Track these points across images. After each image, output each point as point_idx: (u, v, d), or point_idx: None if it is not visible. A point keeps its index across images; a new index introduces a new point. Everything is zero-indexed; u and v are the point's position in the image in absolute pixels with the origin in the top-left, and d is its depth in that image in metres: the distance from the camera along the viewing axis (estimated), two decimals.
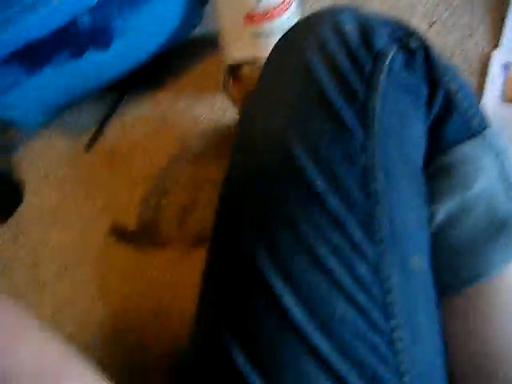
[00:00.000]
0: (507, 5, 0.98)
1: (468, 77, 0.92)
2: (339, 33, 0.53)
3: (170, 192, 0.82)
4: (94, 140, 0.96)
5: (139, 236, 0.86)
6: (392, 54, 0.53)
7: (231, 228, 0.54)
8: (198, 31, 0.97)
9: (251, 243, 0.50)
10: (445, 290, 0.53)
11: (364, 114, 0.51)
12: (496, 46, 0.95)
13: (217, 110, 0.95)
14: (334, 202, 0.49)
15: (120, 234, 0.87)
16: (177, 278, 0.84)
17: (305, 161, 0.50)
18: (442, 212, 0.54)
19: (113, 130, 0.97)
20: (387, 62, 0.52)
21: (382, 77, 0.52)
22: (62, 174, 0.96)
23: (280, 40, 0.60)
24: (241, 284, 0.51)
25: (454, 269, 0.54)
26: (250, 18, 0.79)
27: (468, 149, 0.55)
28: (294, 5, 0.84)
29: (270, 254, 0.49)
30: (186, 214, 0.80)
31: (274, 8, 0.79)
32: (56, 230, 0.92)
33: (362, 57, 0.52)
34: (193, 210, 0.79)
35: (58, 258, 0.90)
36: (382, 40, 0.53)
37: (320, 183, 0.49)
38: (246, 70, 0.81)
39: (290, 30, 0.60)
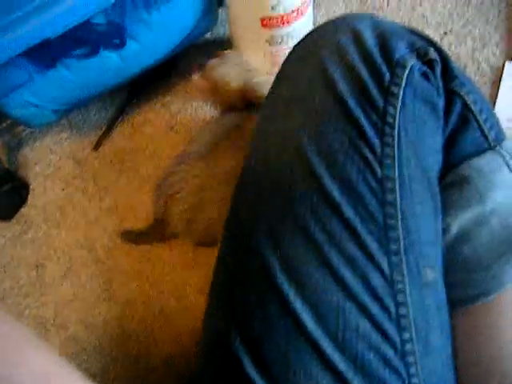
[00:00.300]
0: None
1: (480, 88, 0.91)
2: (358, 41, 0.53)
3: (178, 192, 0.82)
4: (102, 140, 0.95)
5: (148, 235, 0.86)
6: (411, 64, 0.52)
7: (245, 235, 0.53)
8: (209, 34, 0.96)
9: (264, 250, 0.50)
10: (454, 303, 0.53)
11: (383, 124, 0.50)
12: (509, 57, 0.94)
13: None
14: (349, 212, 0.48)
15: (130, 236, 0.87)
16: (182, 282, 0.84)
17: (321, 170, 0.49)
18: (456, 225, 0.53)
19: (121, 131, 0.97)
20: (407, 72, 0.52)
21: (402, 87, 0.51)
22: (69, 172, 0.95)
23: (297, 45, 0.59)
24: (252, 291, 0.50)
25: (464, 284, 0.53)
26: (265, 22, 0.79)
27: (484, 162, 0.55)
28: (308, 10, 0.84)
29: (283, 262, 0.48)
30: (193, 213, 0.79)
31: (289, 13, 0.79)
32: (61, 229, 0.91)
33: (381, 66, 0.51)
34: (200, 209, 0.79)
35: (62, 257, 0.89)
36: (400, 49, 0.52)
37: (336, 193, 0.48)
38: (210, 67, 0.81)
39: (308, 35, 0.59)
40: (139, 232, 0.87)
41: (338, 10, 1.03)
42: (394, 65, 0.52)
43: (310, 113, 0.52)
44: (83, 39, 0.75)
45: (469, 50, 0.96)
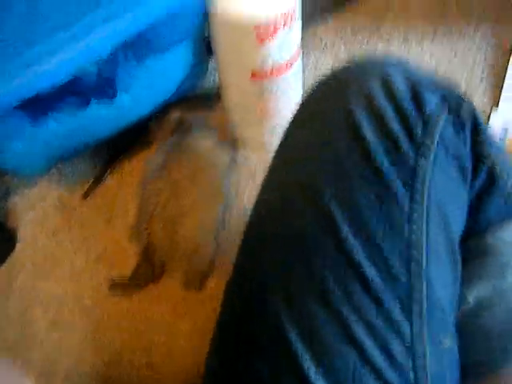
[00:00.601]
0: (505, 65, 0.99)
1: None
2: (388, 88, 0.50)
3: (153, 211, 0.83)
4: (91, 189, 0.95)
5: (137, 278, 0.85)
6: (444, 120, 0.49)
7: (258, 300, 0.49)
8: (200, 84, 0.97)
9: (277, 309, 0.47)
10: (473, 369, 0.51)
11: (413, 182, 0.47)
12: (495, 105, 0.95)
13: (214, 157, 0.94)
14: (372, 274, 0.45)
15: (118, 288, 0.86)
16: (171, 331, 0.83)
17: (344, 226, 0.46)
18: (474, 296, 0.52)
19: (111, 178, 0.96)
20: (440, 127, 0.49)
21: (434, 143, 0.48)
22: (58, 222, 0.94)
23: (320, 85, 0.56)
24: (265, 362, 0.47)
25: (482, 352, 0.52)
26: (255, 74, 0.79)
27: (507, 233, 0.53)
28: (298, 61, 0.85)
29: (298, 323, 0.46)
30: (173, 225, 0.82)
31: (279, 66, 0.79)
32: (48, 279, 0.90)
33: (413, 118, 0.48)
34: (180, 221, 0.82)
35: (49, 308, 0.88)
36: (433, 103, 0.49)
37: (359, 253, 0.45)
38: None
39: (333, 76, 0.55)
40: (126, 280, 0.86)
41: (327, 60, 1.04)
42: (427, 118, 0.49)
43: (333, 162, 0.49)
44: (74, 91, 0.75)
45: None
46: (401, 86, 0.50)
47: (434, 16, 1.08)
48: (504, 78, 0.98)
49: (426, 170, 0.48)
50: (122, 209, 0.93)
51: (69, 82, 0.70)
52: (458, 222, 0.51)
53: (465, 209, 0.52)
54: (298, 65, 0.85)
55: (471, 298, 0.52)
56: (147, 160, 0.89)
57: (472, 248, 0.52)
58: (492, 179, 0.52)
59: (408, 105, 0.49)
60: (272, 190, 0.53)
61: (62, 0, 0.69)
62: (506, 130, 0.92)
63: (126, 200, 0.94)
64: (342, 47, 1.06)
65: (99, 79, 0.75)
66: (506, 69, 0.99)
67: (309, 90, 0.56)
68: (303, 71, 0.90)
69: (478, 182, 0.52)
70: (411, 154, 0.47)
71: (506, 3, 1.08)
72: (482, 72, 1.00)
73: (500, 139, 0.91)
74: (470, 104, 0.52)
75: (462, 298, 0.51)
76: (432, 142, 0.48)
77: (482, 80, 0.99)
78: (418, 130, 0.48)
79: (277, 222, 0.51)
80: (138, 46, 0.75)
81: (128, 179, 0.96)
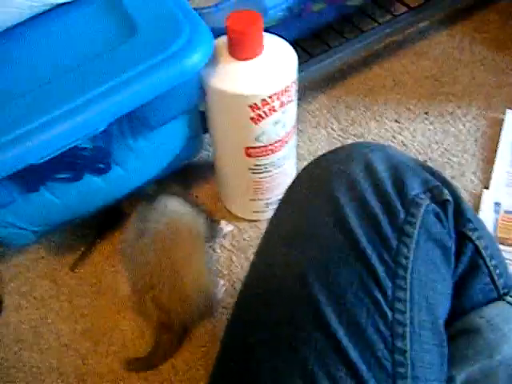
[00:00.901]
0: (497, 144, 1.01)
1: None
2: (371, 173, 0.52)
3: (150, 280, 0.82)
4: (79, 261, 0.94)
5: (155, 353, 0.83)
6: (426, 205, 0.51)
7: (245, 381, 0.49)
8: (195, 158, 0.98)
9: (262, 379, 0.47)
10: None
11: (396, 265, 0.48)
12: (487, 184, 0.96)
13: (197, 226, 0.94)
14: (357, 358, 0.45)
15: (137, 365, 0.83)
16: None
17: (328, 310, 0.46)
18: (462, 377, 0.51)
19: (100, 250, 0.96)
20: (422, 212, 0.50)
21: (417, 227, 0.50)
22: (44, 293, 0.93)
23: (305, 170, 0.58)
24: None
25: None
26: (249, 152, 0.80)
27: (493, 313, 0.53)
28: (293, 139, 0.86)
29: None
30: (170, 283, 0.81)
31: (273, 144, 0.80)
32: (33, 350, 0.88)
33: (396, 203, 0.50)
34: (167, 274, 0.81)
35: (32, 381, 0.85)
36: (415, 187, 0.51)
37: (343, 337, 0.46)
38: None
39: (317, 161, 0.58)
40: (146, 356, 0.83)
41: (321, 137, 1.05)
42: (409, 203, 0.50)
43: (317, 246, 0.50)
44: (68, 164, 0.75)
45: (447, 178, 0.98)
46: (383, 173, 0.51)
47: (427, 96, 1.10)
48: (495, 158, 0.99)
49: (408, 256, 0.49)
50: (111, 280, 0.92)
51: (63, 155, 0.70)
52: (442, 304, 0.52)
53: (449, 291, 0.53)
54: (292, 142, 0.86)
55: (459, 379, 0.51)
56: (125, 230, 0.89)
57: (459, 328, 0.53)
58: (476, 260, 0.54)
59: (390, 191, 0.50)
60: (260, 272, 0.54)
61: (61, 76, 0.70)
62: (499, 205, 0.93)
63: (115, 271, 0.93)
64: (336, 125, 1.07)
65: (94, 154, 0.75)
66: (497, 148, 1.00)
67: (297, 175, 0.58)
68: (297, 148, 0.91)
69: (463, 263, 0.54)
70: (393, 240, 0.49)
71: (497, 84, 1.10)
72: (474, 152, 1.01)
73: (493, 217, 0.91)
74: (453, 187, 0.54)
75: (450, 379, 0.51)
76: (414, 228, 0.50)
77: (473, 159, 1.00)
78: (401, 216, 0.50)
79: (262, 305, 0.51)
80: (134, 122, 0.76)
81: (117, 249, 0.95)
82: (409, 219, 0.50)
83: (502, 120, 1.05)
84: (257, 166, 0.82)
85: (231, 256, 0.92)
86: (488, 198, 0.94)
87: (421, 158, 1.01)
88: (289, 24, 0.99)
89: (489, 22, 1.21)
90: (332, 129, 1.07)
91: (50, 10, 0.76)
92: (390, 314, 0.47)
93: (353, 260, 0.48)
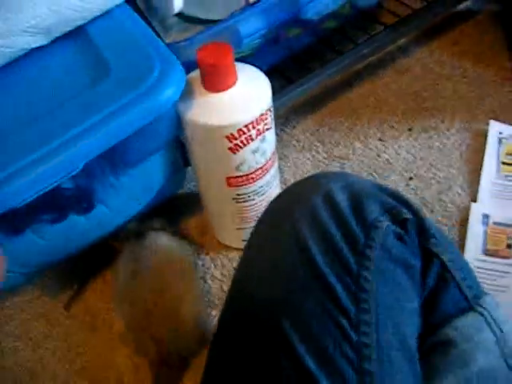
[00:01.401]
0: (482, 156, 1.01)
1: (449, 230, 0.93)
2: (330, 202, 0.53)
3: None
4: (73, 300, 0.94)
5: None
6: (385, 227, 0.52)
7: None
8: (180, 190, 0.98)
9: None
10: None
11: (358, 289, 0.49)
12: (474, 197, 0.97)
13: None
14: (325, 381, 0.46)
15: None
16: None
17: (295, 340, 0.47)
18: None
19: (93, 287, 0.96)
20: (380, 236, 0.51)
21: (376, 251, 0.51)
22: (40, 332, 0.93)
23: (270, 206, 0.60)
24: None
25: None
26: (231, 181, 0.81)
27: (465, 323, 0.54)
28: (275, 165, 0.86)
29: None
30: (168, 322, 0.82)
31: (255, 172, 0.81)
32: None
33: (355, 228, 0.51)
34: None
35: None
36: (374, 211, 0.53)
37: (312, 365, 0.46)
38: None
39: (281, 196, 0.60)
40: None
41: (306, 161, 1.06)
42: (368, 227, 0.52)
43: (285, 278, 0.51)
44: (51, 205, 0.76)
45: (435, 193, 0.98)
46: (343, 200, 0.53)
47: (409, 112, 1.11)
48: (481, 170, 0.99)
49: (370, 279, 0.50)
50: (105, 318, 0.92)
51: (45, 196, 0.70)
52: (410, 322, 0.52)
53: (416, 307, 0.53)
54: (274, 169, 0.86)
55: None
56: (116, 270, 0.90)
57: (433, 342, 0.54)
58: (444, 274, 0.55)
59: (350, 217, 0.52)
60: (231, 305, 0.56)
61: (38, 120, 0.71)
62: (487, 217, 0.93)
63: (108, 308, 0.93)
64: (320, 147, 1.08)
65: (76, 193, 0.76)
66: (482, 160, 1.01)
67: (266, 207, 0.60)
68: (282, 173, 0.91)
69: (431, 278, 0.55)
70: (354, 265, 0.50)
71: (479, 96, 1.11)
72: (459, 165, 1.02)
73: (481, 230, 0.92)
74: (414, 206, 0.56)
75: None
76: (374, 251, 0.51)
77: (459, 172, 1.00)
78: (361, 242, 0.51)
79: (235, 338, 0.52)
80: (114, 160, 0.77)
81: (110, 286, 0.95)
82: (369, 243, 0.51)
83: (486, 131, 1.05)
84: (239, 195, 0.83)
85: (222, 285, 0.92)
86: (476, 211, 0.94)
87: (406, 175, 1.01)
88: (266, 51, 1.00)
89: (466, 35, 1.22)
90: (317, 152, 1.07)
91: (25, 55, 0.77)
92: (355, 337, 0.47)
93: (316, 288, 0.49)
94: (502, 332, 0.54)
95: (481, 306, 0.55)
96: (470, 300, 0.55)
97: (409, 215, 0.54)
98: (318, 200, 0.54)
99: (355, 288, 0.49)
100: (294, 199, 0.56)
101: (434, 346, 0.54)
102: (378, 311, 0.49)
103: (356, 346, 0.47)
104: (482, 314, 0.55)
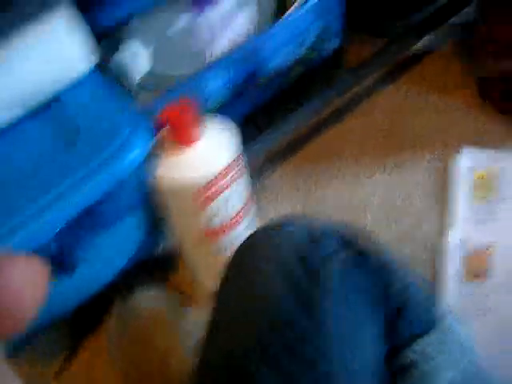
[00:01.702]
0: (456, 184, 1.03)
1: (426, 259, 0.95)
2: (291, 241, 0.57)
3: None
4: (63, 368, 0.95)
5: None
6: (342, 258, 0.55)
7: None
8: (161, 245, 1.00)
9: None
10: None
11: (316, 318, 0.52)
12: (450, 225, 0.99)
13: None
14: None
15: None
16: None
17: (263, 373, 0.50)
18: None
19: (85, 354, 0.96)
20: (337, 266, 0.54)
21: (334, 281, 0.54)
22: None
23: (239, 249, 0.62)
24: None
25: None
26: (207, 234, 0.83)
27: (426, 345, 0.55)
28: (250, 213, 0.88)
29: None
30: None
31: (229, 222, 0.83)
32: None
33: (314, 263, 0.54)
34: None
35: None
36: (331, 244, 0.56)
37: None
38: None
39: (244, 242, 0.63)
40: None
41: (285, 206, 1.08)
42: (326, 260, 0.55)
43: (250, 322, 0.54)
44: None
45: (412, 222, 1.01)
46: (302, 239, 0.57)
47: (382, 148, 1.14)
48: (456, 197, 1.02)
49: (327, 307, 0.52)
50: (100, 379, 0.93)
51: None
52: (373, 347, 0.54)
53: (378, 332, 0.55)
54: (250, 218, 0.88)
55: None
56: (107, 332, 0.92)
57: (397, 365, 0.55)
58: (402, 299, 0.56)
59: (309, 252, 0.55)
60: (202, 355, 0.57)
61: (10, 189, 0.74)
62: (465, 243, 0.95)
63: (103, 369, 0.93)
64: (298, 191, 1.10)
65: (56, 252, 0.78)
66: (456, 187, 1.03)
67: (224, 266, 0.63)
68: (261, 220, 0.93)
69: (390, 304, 0.56)
70: (312, 293, 0.53)
71: (449, 124, 1.14)
72: (435, 194, 1.04)
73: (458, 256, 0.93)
74: (368, 236, 0.59)
75: None
76: (331, 281, 0.54)
77: (436, 201, 1.02)
78: (321, 273, 0.54)
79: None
80: (93, 221, 0.79)
81: (103, 345, 0.96)
82: (326, 274, 0.54)
83: (458, 159, 1.07)
84: (219, 247, 0.85)
85: None
86: (453, 238, 0.96)
87: (384, 209, 1.04)
88: (237, 102, 1.03)
89: (431, 67, 1.25)
90: (295, 196, 1.10)
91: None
92: (319, 366, 0.50)
93: (280, 325, 0.52)
94: (464, 348, 0.56)
95: (442, 324, 0.56)
96: (431, 322, 0.56)
97: (365, 245, 0.57)
98: (279, 244, 0.57)
99: (314, 315, 0.52)
100: (256, 242, 0.61)
101: (399, 369, 0.55)
102: (339, 340, 0.51)
103: (321, 376, 0.50)
104: (443, 332, 0.56)
